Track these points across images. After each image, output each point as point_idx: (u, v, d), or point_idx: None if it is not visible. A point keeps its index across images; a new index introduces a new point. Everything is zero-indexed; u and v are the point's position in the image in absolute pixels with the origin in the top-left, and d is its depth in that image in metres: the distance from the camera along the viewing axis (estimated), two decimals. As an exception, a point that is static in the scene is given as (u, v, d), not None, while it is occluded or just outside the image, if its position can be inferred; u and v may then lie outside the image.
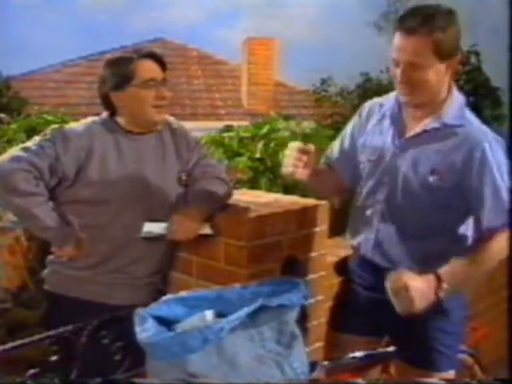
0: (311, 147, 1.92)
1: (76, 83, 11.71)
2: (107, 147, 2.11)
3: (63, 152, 2.04)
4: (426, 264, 1.91)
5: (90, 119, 2.19)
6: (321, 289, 2.32)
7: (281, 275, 2.14)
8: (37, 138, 2.09)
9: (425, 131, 1.93)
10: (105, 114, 2.20)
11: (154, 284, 2.20)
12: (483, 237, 1.85)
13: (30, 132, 5.14)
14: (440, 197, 1.90)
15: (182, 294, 1.55)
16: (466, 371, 2.46)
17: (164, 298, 1.53)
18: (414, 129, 1.96)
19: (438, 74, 1.84)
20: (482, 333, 2.72)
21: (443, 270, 1.80)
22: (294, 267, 2.18)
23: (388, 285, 1.76)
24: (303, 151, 1.90)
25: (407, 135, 1.97)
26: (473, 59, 11.81)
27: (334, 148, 2.21)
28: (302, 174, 1.93)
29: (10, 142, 4.80)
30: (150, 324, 1.38)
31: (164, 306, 1.49)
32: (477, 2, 13.68)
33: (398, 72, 1.86)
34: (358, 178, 2.12)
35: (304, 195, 2.79)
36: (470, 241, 1.97)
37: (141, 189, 2.12)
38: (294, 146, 1.92)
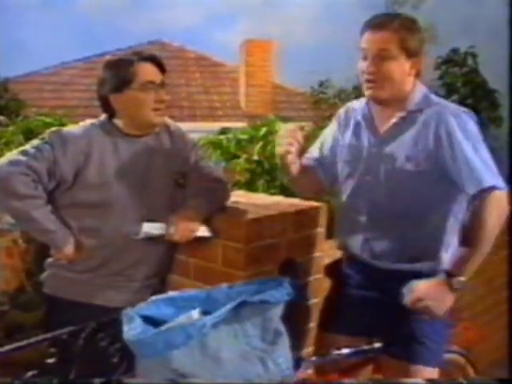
0: (304, 126, 2.01)
1: (74, 85, 11.71)
2: (106, 150, 2.11)
3: (62, 155, 2.04)
4: (411, 257, 1.96)
5: (88, 122, 2.19)
6: (318, 291, 2.32)
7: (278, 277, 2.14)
8: (35, 142, 2.09)
9: (394, 124, 1.99)
10: (103, 117, 2.20)
11: (153, 286, 2.20)
12: (476, 206, 1.85)
13: (28, 134, 5.13)
14: (422, 183, 1.93)
15: (171, 294, 1.56)
16: (459, 371, 2.46)
17: (153, 297, 1.54)
18: (385, 126, 2.02)
19: (402, 69, 1.93)
20: (473, 332, 2.72)
21: (453, 263, 1.84)
22: (291, 269, 2.18)
23: (405, 301, 1.82)
24: (297, 133, 1.98)
25: (379, 133, 2.03)
26: (470, 61, 11.82)
27: (314, 149, 2.26)
28: (293, 162, 2.02)
29: (8, 144, 4.79)
30: (137, 323, 1.39)
31: (153, 306, 1.51)
32: (474, 4, 13.71)
33: (365, 64, 1.95)
34: (336, 181, 2.19)
35: (301, 197, 2.79)
36: (457, 230, 1.99)
37: (139, 191, 2.12)
38: (289, 127, 2.01)
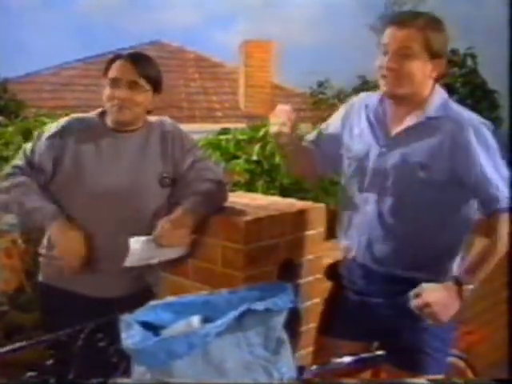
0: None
1: (73, 86, 11.72)
2: (84, 142, 2.15)
3: (38, 146, 2.15)
4: (416, 264, 1.93)
5: (71, 115, 2.26)
6: (317, 291, 2.32)
7: (277, 278, 2.14)
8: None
9: (409, 128, 1.93)
10: (96, 111, 2.24)
11: (136, 279, 2.18)
12: (487, 223, 1.85)
13: (27, 134, 5.12)
14: (433, 192, 1.89)
15: (169, 299, 1.53)
16: (459, 375, 2.46)
17: (151, 303, 1.51)
18: (399, 127, 1.95)
19: (423, 69, 1.87)
20: (476, 337, 2.72)
21: (461, 272, 1.82)
22: (290, 270, 2.18)
23: (411, 304, 1.79)
24: (290, 113, 1.94)
25: (392, 134, 1.96)
26: (469, 62, 11.83)
27: (316, 133, 2.21)
28: (288, 143, 2.00)
29: (7, 145, 4.79)
30: (136, 330, 1.36)
31: (151, 312, 1.47)
32: (474, 5, 13.73)
33: (384, 59, 1.87)
34: (331, 169, 2.26)
35: (301, 198, 2.80)
36: (462, 240, 1.98)
37: (115, 185, 2.13)
38: (282, 107, 1.96)
